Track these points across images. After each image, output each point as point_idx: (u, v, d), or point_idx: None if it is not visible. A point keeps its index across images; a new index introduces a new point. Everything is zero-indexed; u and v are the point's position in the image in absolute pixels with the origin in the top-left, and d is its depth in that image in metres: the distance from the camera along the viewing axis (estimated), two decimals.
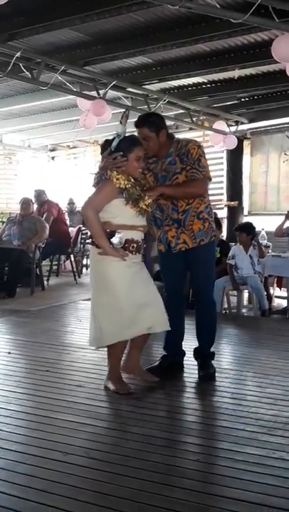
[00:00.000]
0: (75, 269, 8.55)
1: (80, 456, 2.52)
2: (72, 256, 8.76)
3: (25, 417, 3.02)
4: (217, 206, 9.83)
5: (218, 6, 4.60)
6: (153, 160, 3.58)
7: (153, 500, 2.13)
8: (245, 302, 6.52)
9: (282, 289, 7.24)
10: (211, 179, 3.63)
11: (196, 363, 3.77)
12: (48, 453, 2.54)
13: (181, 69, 6.90)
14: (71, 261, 8.80)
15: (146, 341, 3.53)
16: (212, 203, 3.97)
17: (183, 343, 3.83)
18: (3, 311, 6.01)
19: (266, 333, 5.24)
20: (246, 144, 10.26)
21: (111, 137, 3.41)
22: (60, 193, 10.62)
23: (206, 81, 7.68)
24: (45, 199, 8.68)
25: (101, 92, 7.10)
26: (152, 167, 3.60)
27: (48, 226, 7.67)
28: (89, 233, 3.85)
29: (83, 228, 9.03)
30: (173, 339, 3.76)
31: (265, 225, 7.81)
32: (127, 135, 3.37)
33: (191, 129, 9.73)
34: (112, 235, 3.24)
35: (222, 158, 10.42)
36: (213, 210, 3.97)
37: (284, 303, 6.91)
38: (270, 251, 7.18)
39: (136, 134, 3.52)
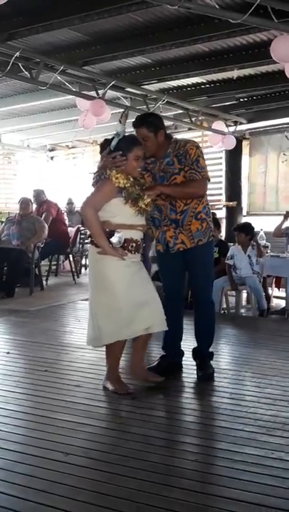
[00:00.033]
0: (73, 269, 8.55)
1: (79, 456, 2.52)
2: (71, 256, 8.76)
3: (24, 417, 3.03)
4: (216, 206, 9.85)
5: (217, 6, 4.61)
6: (151, 160, 3.58)
7: (152, 500, 2.14)
8: (244, 302, 6.53)
9: (280, 289, 7.25)
10: (209, 180, 3.63)
11: (194, 363, 3.78)
12: (47, 453, 2.54)
13: (180, 69, 6.91)
14: (70, 261, 8.80)
15: (147, 343, 3.52)
16: (211, 203, 3.98)
17: (182, 343, 3.84)
18: (2, 311, 6.01)
19: (265, 334, 5.25)
20: (245, 144, 10.26)
21: (110, 137, 3.41)
22: (59, 193, 10.63)
23: (204, 81, 7.68)
24: (44, 199, 8.68)
25: (100, 92, 7.11)
26: (150, 167, 3.60)
27: (46, 226, 7.67)
28: (88, 233, 3.85)
29: (82, 228, 9.04)
30: (171, 339, 3.76)
31: (263, 225, 7.80)
32: (126, 134, 3.37)
33: (190, 129, 9.74)
34: (111, 234, 3.24)
35: (221, 158, 10.43)
36: (212, 211, 3.97)
37: (282, 303, 6.91)
38: (268, 251, 7.18)
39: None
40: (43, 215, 8.19)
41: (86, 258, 9.09)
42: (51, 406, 3.15)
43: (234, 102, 8.53)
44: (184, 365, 3.84)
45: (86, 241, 8.71)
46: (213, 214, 5.69)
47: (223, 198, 10.42)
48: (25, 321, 5.53)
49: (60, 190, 11.11)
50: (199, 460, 2.50)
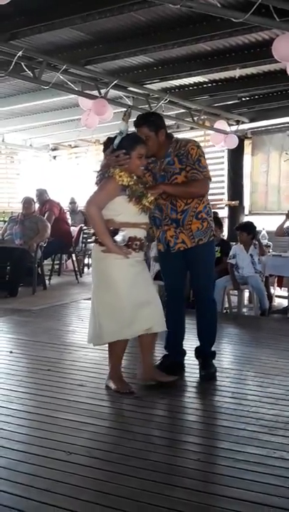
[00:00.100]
0: (76, 269, 8.56)
1: (81, 455, 2.52)
2: (73, 255, 8.78)
3: (27, 417, 3.03)
4: (218, 205, 9.85)
5: (219, 5, 4.61)
6: (152, 160, 3.58)
7: (154, 499, 2.14)
8: (246, 302, 6.53)
9: (282, 288, 7.25)
10: (211, 179, 3.62)
11: (197, 362, 3.78)
12: (50, 452, 2.55)
13: (182, 68, 6.91)
14: (73, 260, 8.81)
15: (154, 343, 3.51)
16: (213, 203, 3.98)
17: (184, 342, 3.84)
18: (5, 310, 6.02)
19: (267, 333, 5.25)
20: (247, 143, 10.26)
21: (113, 135, 3.41)
22: (62, 193, 10.64)
23: (207, 80, 7.68)
24: (46, 198, 8.68)
25: (102, 91, 7.11)
26: (151, 167, 3.59)
27: (49, 225, 7.68)
28: (91, 232, 3.85)
29: (85, 227, 9.05)
30: (174, 339, 3.77)
31: (265, 224, 7.81)
32: (129, 133, 3.37)
33: (192, 128, 9.74)
34: (115, 232, 3.24)
35: (223, 157, 10.43)
36: (214, 210, 3.97)
37: (284, 302, 6.91)
38: (270, 250, 7.18)
39: None
40: (46, 215, 8.19)
41: (89, 257, 9.11)
42: (54, 405, 3.16)
43: (236, 101, 8.53)
44: (186, 365, 3.84)
45: (89, 240, 8.71)
46: (215, 213, 5.68)
47: (225, 197, 10.42)
48: (28, 321, 5.54)
49: (62, 190, 11.13)
50: (201, 459, 2.51)
